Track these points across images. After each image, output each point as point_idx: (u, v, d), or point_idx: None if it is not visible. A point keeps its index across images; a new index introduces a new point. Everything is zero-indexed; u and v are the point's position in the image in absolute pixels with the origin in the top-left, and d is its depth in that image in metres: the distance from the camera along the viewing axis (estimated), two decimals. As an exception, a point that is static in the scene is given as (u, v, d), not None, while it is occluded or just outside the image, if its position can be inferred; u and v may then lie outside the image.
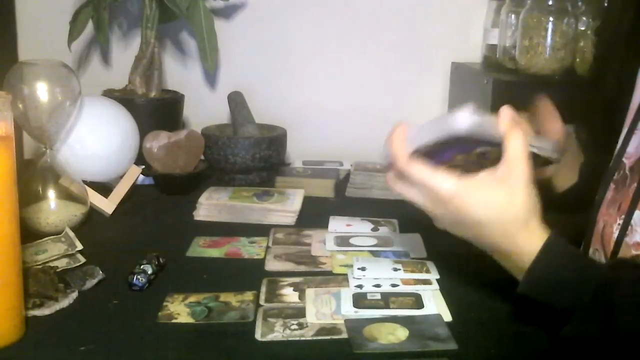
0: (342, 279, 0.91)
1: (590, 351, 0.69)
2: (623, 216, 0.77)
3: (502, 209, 0.72)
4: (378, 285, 0.88)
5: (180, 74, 1.59)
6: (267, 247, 1.03)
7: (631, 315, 0.67)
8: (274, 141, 1.36)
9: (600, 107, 0.93)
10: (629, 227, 0.76)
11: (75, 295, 0.84)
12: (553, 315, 0.72)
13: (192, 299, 0.85)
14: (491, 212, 0.72)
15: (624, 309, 0.67)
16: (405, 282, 0.89)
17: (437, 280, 0.90)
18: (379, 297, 0.85)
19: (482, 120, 0.70)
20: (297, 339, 0.76)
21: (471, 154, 0.74)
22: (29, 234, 0.99)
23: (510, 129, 0.72)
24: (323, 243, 1.04)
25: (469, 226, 0.74)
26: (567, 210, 0.89)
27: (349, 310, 0.82)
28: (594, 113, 0.95)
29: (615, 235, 0.78)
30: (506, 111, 0.73)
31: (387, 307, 0.83)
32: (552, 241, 0.73)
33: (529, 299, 0.73)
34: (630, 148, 0.80)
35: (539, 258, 0.72)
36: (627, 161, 0.80)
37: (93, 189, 1.15)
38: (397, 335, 0.76)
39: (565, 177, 0.94)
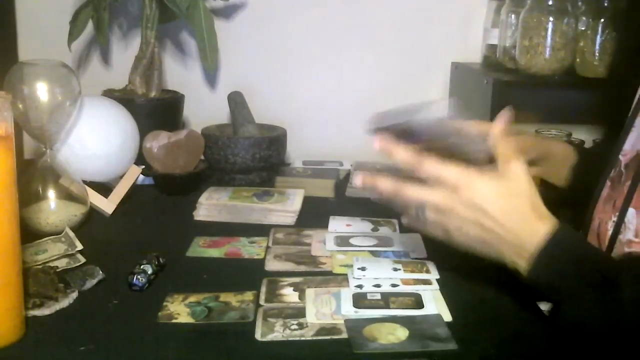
0: (342, 279, 0.91)
1: (594, 333, 0.70)
2: (617, 213, 0.77)
3: (512, 193, 0.74)
4: (378, 285, 0.88)
5: (180, 74, 1.59)
6: (267, 247, 1.03)
7: (638, 297, 0.67)
8: (274, 141, 1.36)
9: (613, 107, 0.94)
10: (623, 225, 0.76)
11: (75, 295, 0.84)
12: (558, 299, 0.73)
13: (192, 299, 0.85)
14: (502, 198, 0.74)
15: (631, 291, 0.67)
16: (405, 282, 0.89)
17: (437, 280, 0.90)
18: (379, 297, 0.85)
19: (439, 121, 0.77)
20: (297, 339, 0.76)
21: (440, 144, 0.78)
22: (29, 234, 0.99)
23: (500, 133, 0.78)
24: (323, 243, 1.04)
25: (483, 215, 0.74)
26: (565, 207, 0.91)
27: (349, 310, 0.82)
28: (609, 113, 0.96)
29: (610, 232, 0.78)
30: (503, 118, 0.80)
31: (387, 307, 0.83)
32: (562, 226, 0.74)
33: (536, 284, 0.74)
34: (627, 145, 0.80)
35: (550, 240, 0.72)
36: (623, 158, 0.80)
37: (93, 189, 1.15)
38: (397, 335, 0.76)
39: (560, 177, 0.96)
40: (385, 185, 0.79)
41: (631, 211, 0.76)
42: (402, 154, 0.77)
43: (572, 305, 0.71)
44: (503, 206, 0.74)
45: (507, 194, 0.74)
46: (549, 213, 0.75)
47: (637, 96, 0.82)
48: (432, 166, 0.75)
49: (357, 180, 0.80)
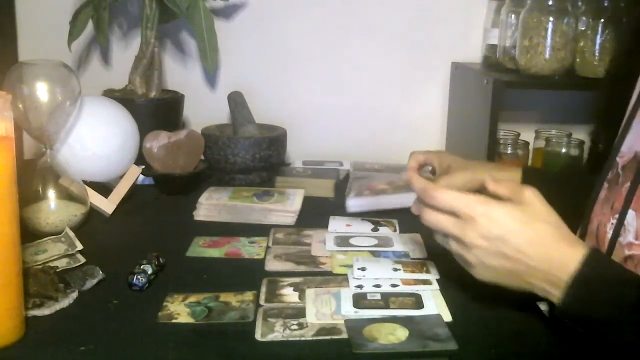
0: (342, 279, 0.91)
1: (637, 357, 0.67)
2: (616, 215, 0.77)
3: (531, 219, 0.72)
4: (378, 286, 0.88)
5: (180, 74, 1.59)
6: (267, 247, 1.03)
7: None
8: (274, 141, 1.36)
9: (610, 108, 0.94)
10: (622, 227, 0.76)
11: (75, 295, 0.84)
12: (594, 324, 0.70)
13: (192, 299, 0.85)
14: (523, 225, 0.72)
15: None
16: (405, 282, 0.89)
17: (437, 280, 0.90)
18: (379, 297, 0.85)
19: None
20: (297, 339, 0.76)
21: None
22: (29, 234, 0.99)
23: (491, 179, 0.78)
24: (323, 243, 1.04)
25: (504, 245, 0.72)
26: None
27: (349, 310, 0.82)
28: (606, 114, 0.95)
29: (609, 235, 0.78)
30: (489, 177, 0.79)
31: (387, 307, 0.83)
32: (595, 251, 0.72)
33: (571, 312, 0.72)
34: (624, 147, 0.80)
35: (585, 266, 0.69)
36: (620, 160, 0.80)
37: (93, 189, 1.15)
38: (397, 335, 0.76)
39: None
40: (414, 208, 0.83)
41: (631, 213, 0.75)
42: (418, 183, 0.78)
43: (612, 330, 0.68)
44: (525, 234, 0.72)
45: (527, 220, 0.72)
46: (578, 238, 0.73)
47: (633, 98, 0.82)
48: (445, 195, 0.74)
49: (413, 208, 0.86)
